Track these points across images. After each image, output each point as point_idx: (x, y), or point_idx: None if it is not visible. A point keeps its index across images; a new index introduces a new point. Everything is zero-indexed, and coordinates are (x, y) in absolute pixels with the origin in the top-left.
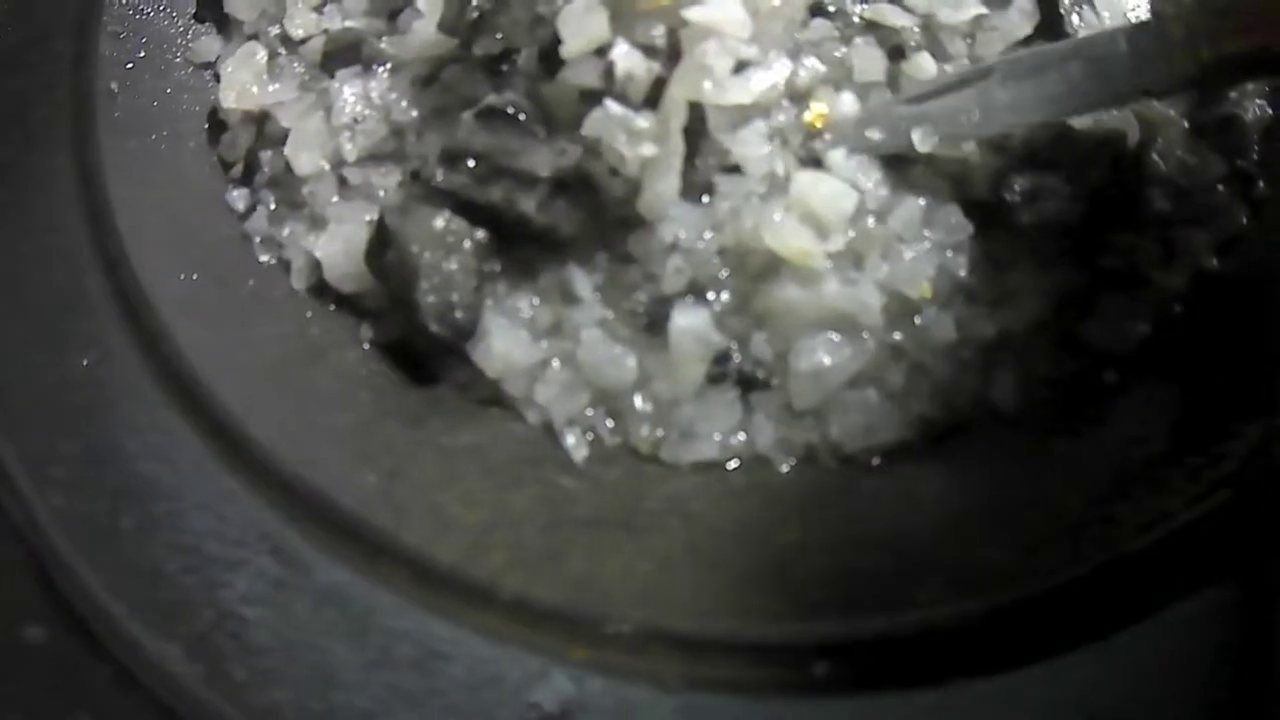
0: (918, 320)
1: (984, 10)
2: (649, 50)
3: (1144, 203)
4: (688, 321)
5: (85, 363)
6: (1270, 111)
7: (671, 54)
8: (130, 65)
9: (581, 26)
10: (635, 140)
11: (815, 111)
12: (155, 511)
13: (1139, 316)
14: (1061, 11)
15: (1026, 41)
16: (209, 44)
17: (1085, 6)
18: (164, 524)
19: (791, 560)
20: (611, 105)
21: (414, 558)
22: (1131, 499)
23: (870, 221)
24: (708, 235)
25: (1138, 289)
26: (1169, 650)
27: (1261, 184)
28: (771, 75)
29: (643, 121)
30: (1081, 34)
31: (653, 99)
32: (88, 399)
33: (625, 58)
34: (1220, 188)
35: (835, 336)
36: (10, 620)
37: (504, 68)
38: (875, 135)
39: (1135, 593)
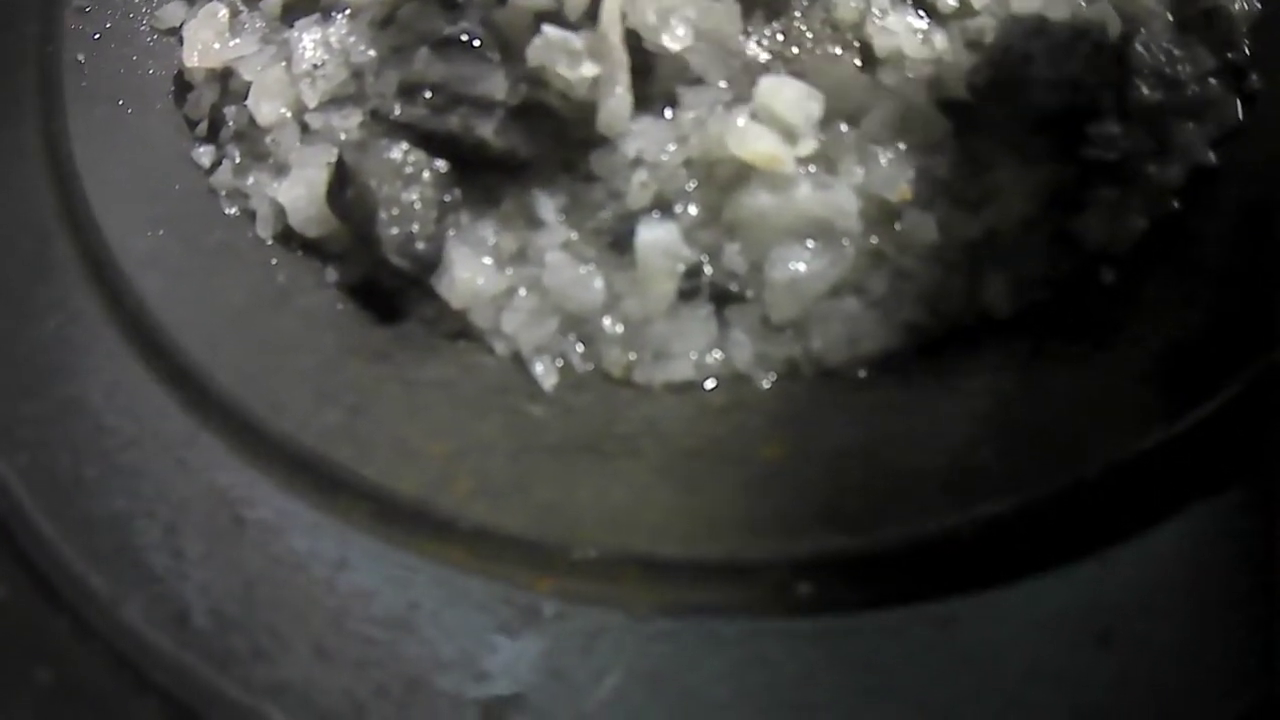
0: (898, 225)
1: None
2: None
3: (1130, 94)
4: (655, 236)
5: (52, 325)
6: (1259, 4)
7: None
8: (97, 36)
9: None
10: (575, 61)
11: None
12: (118, 461)
13: (1135, 211)
14: None
15: None
16: (174, 10)
17: None
18: (126, 472)
19: (772, 477)
20: (549, 30)
21: (376, 492)
22: (1135, 402)
23: (843, 126)
24: (671, 148)
25: (1131, 183)
26: (1181, 558)
27: (1255, 77)
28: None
29: (578, 42)
30: None
31: (594, 15)
32: (54, 360)
33: None
34: (1212, 81)
35: (811, 244)
36: None
37: (459, 1)
38: None
39: (1142, 498)
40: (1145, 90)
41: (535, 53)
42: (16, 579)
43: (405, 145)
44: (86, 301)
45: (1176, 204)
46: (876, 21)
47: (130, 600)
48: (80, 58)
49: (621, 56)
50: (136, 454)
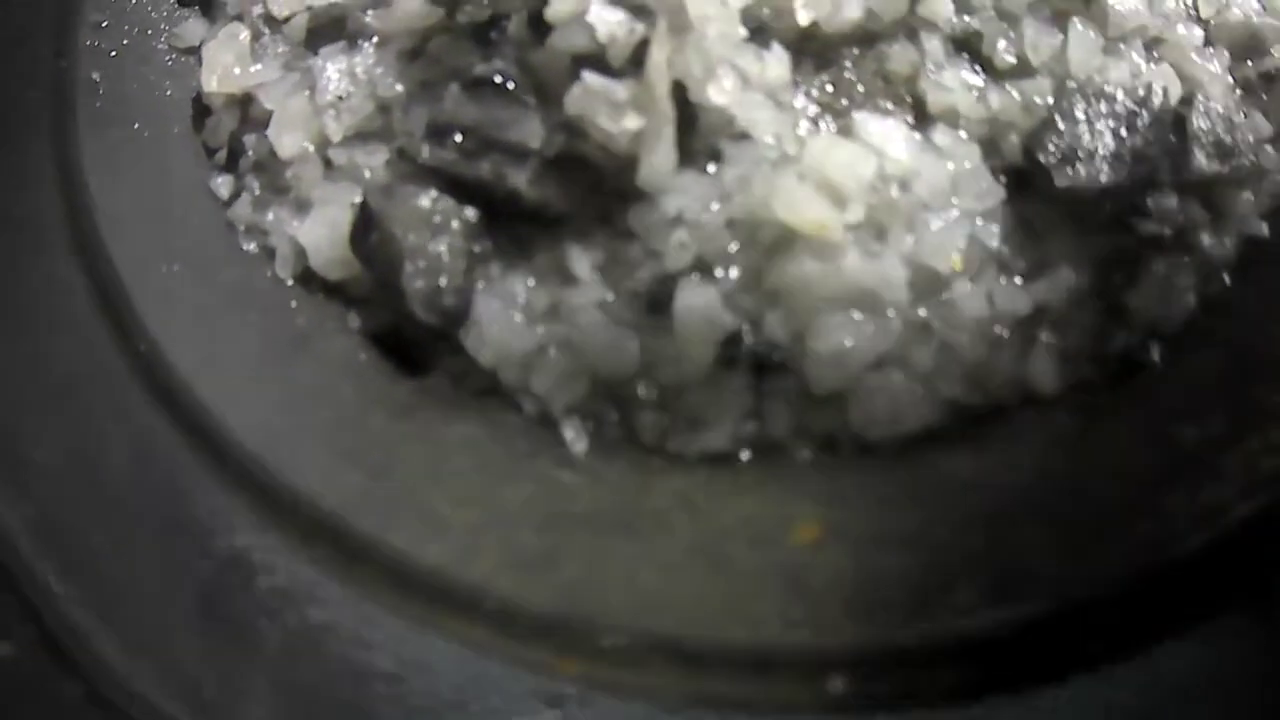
0: (946, 295)
1: None
2: (638, 10)
3: (1187, 164)
4: (694, 300)
5: (62, 364)
6: None
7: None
8: (114, 54)
9: None
10: (618, 113)
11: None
12: (130, 522)
13: (1185, 287)
14: None
15: None
16: (193, 28)
17: None
18: (138, 535)
19: (807, 563)
20: (590, 78)
21: (398, 563)
22: (1182, 489)
23: (894, 190)
24: (714, 207)
25: (1183, 255)
26: (1229, 658)
27: None
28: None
29: (621, 92)
30: None
31: (640, 61)
32: (64, 400)
33: (604, 18)
34: (1269, 148)
35: (857, 315)
36: None
37: (493, 35)
38: None
39: (1186, 600)
40: (1203, 160)
41: (574, 101)
42: (26, 637)
43: (434, 192)
44: (98, 339)
45: (1228, 279)
46: (931, 76)
47: (142, 668)
48: (95, 76)
49: (667, 110)
50: (149, 514)
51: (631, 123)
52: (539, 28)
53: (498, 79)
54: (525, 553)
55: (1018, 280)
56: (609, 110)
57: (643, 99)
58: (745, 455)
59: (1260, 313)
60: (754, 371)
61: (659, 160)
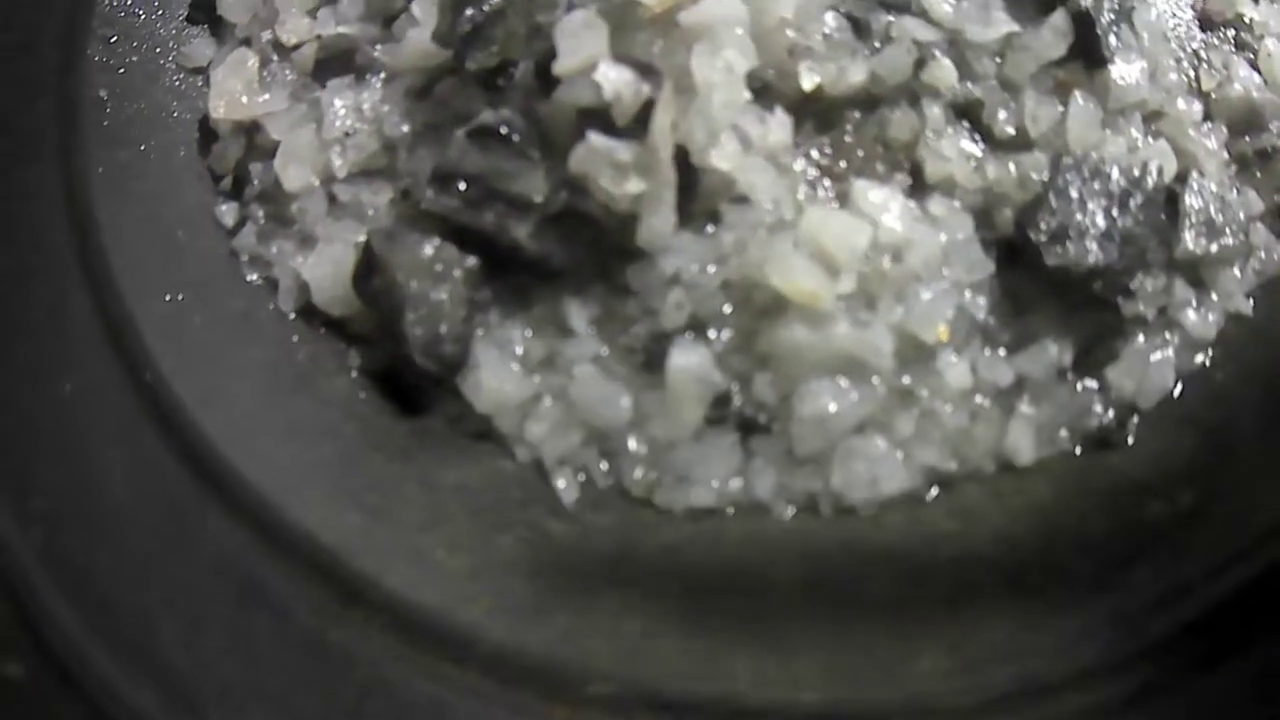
0: (931, 364)
1: (1015, 28)
2: (646, 70)
3: (1177, 243)
4: (687, 361)
5: (68, 388)
6: None
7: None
8: (121, 71)
9: (579, 43)
10: (621, 175)
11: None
12: (134, 549)
13: (1166, 364)
14: (1099, 32)
15: (1060, 64)
16: (201, 48)
17: (1123, 25)
18: (142, 563)
19: (785, 623)
20: (595, 138)
21: (394, 604)
22: (1148, 567)
23: (886, 260)
24: (711, 269)
25: (1165, 332)
26: None
27: None
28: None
29: (626, 154)
30: (1120, 54)
31: (645, 121)
32: (69, 427)
33: (611, 78)
34: (1259, 225)
35: (843, 381)
36: None
37: (500, 82)
38: None
39: (1148, 677)
40: (1192, 240)
41: (579, 161)
42: (32, 659)
43: (436, 240)
44: (102, 364)
45: (1207, 359)
46: (930, 143)
47: (145, 696)
48: (103, 94)
49: (670, 175)
50: (152, 540)
51: (634, 186)
52: (546, 78)
53: (503, 130)
54: (517, 600)
55: (1001, 352)
56: (612, 172)
57: (646, 162)
58: (730, 511)
59: (1237, 392)
60: (741, 431)
61: (659, 223)
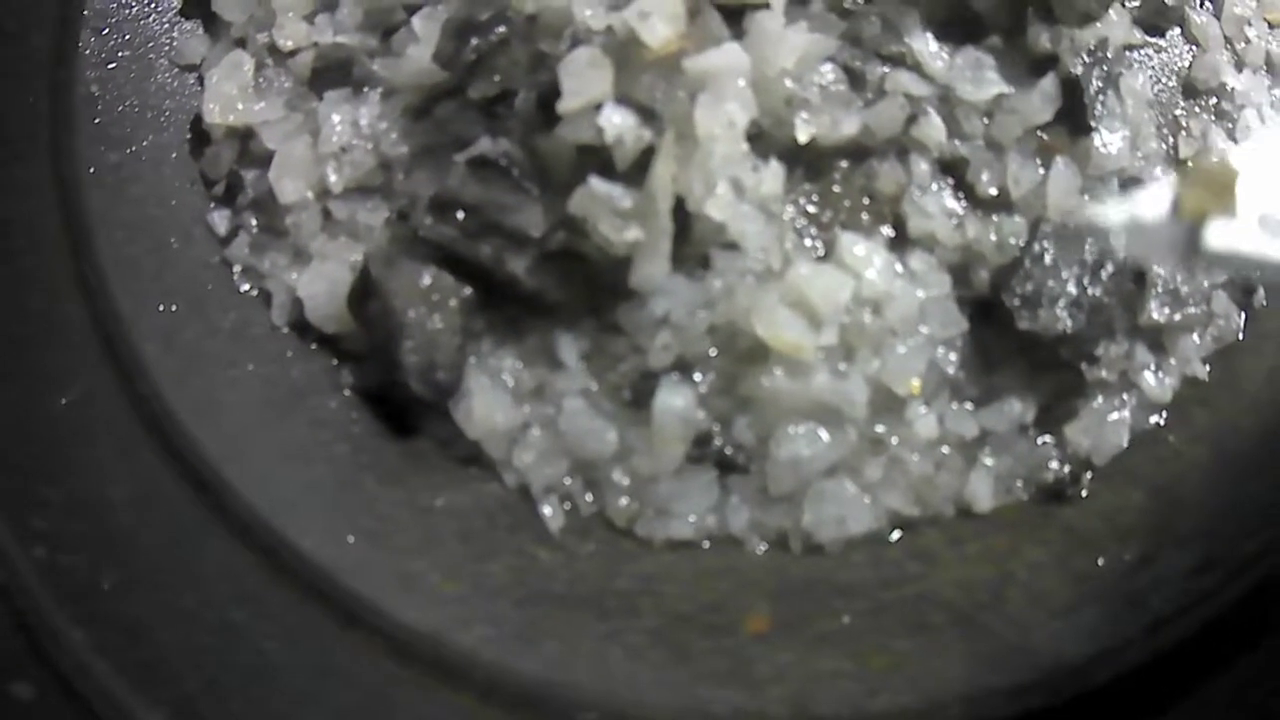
0: (901, 416)
1: (1006, 89)
2: (649, 115)
3: (1142, 312)
4: (672, 400)
5: (65, 401)
6: None
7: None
8: (112, 65)
9: (583, 83)
10: (620, 222)
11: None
12: (135, 567)
13: (1121, 424)
14: (1086, 100)
15: (1046, 128)
16: (195, 45)
17: (1110, 92)
18: (144, 581)
19: (756, 655)
20: (595, 183)
21: (391, 628)
22: (1091, 618)
23: (867, 315)
24: (699, 313)
25: (1123, 393)
26: None
27: (1262, 292)
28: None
29: (625, 201)
30: (1104, 122)
31: (644, 165)
32: (68, 440)
33: (615, 122)
34: (1221, 293)
35: (818, 427)
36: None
37: (500, 110)
38: None
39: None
40: (1156, 309)
41: (578, 204)
42: (41, 679)
43: (434, 269)
44: (98, 376)
45: (1162, 420)
46: (915, 199)
47: (154, 715)
48: (94, 89)
49: (667, 225)
50: (155, 559)
51: (632, 234)
52: (547, 109)
53: (503, 162)
54: (508, 627)
55: (968, 406)
56: (611, 218)
57: (644, 210)
58: (706, 544)
59: (1187, 453)
60: (719, 469)
61: (653, 269)
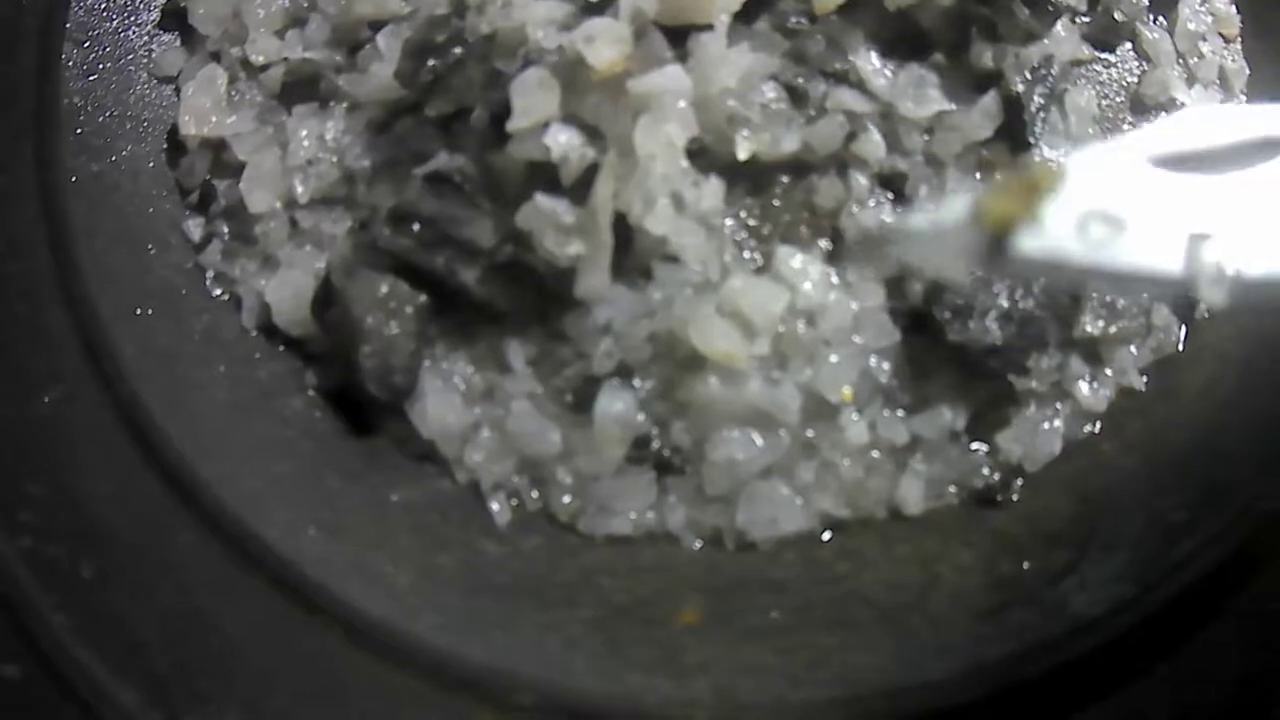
0: (833, 422)
1: (947, 106)
2: (593, 134)
3: (1076, 325)
4: (613, 404)
5: (49, 401)
6: None
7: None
8: (94, 77)
9: (532, 103)
10: (563, 236)
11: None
12: (113, 557)
13: (1054, 433)
14: (1025, 118)
15: (985, 144)
16: (172, 57)
17: (1053, 109)
18: (121, 569)
19: (685, 644)
20: (541, 199)
21: (348, 615)
22: (1014, 620)
23: (801, 325)
24: (640, 322)
25: (1057, 403)
26: None
27: (1204, 305)
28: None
29: (568, 217)
30: (1046, 139)
31: (589, 182)
32: (51, 438)
33: (560, 142)
34: (1163, 306)
35: (752, 432)
36: None
37: (456, 126)
38: (1109, 234)
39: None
40: (1090, 322)
41: (525, 218)
42: (28, 662)
43: (391, 278)
44: (79, 377)
45: (1096, 429)
46: (854, 212)
47: (129, 695)
48: (77, 101)
49: (607, 240)
50: (132, 550)
51: (574, 248)
52: (500, 126)
53: (457, 179)
54: (455, 614)
55: (900, 413)
56: (555, 233)
57: (587, 226)
58: (643, 540)
59: (1119, 463)
60: (658, 470)
61: (595, 281)
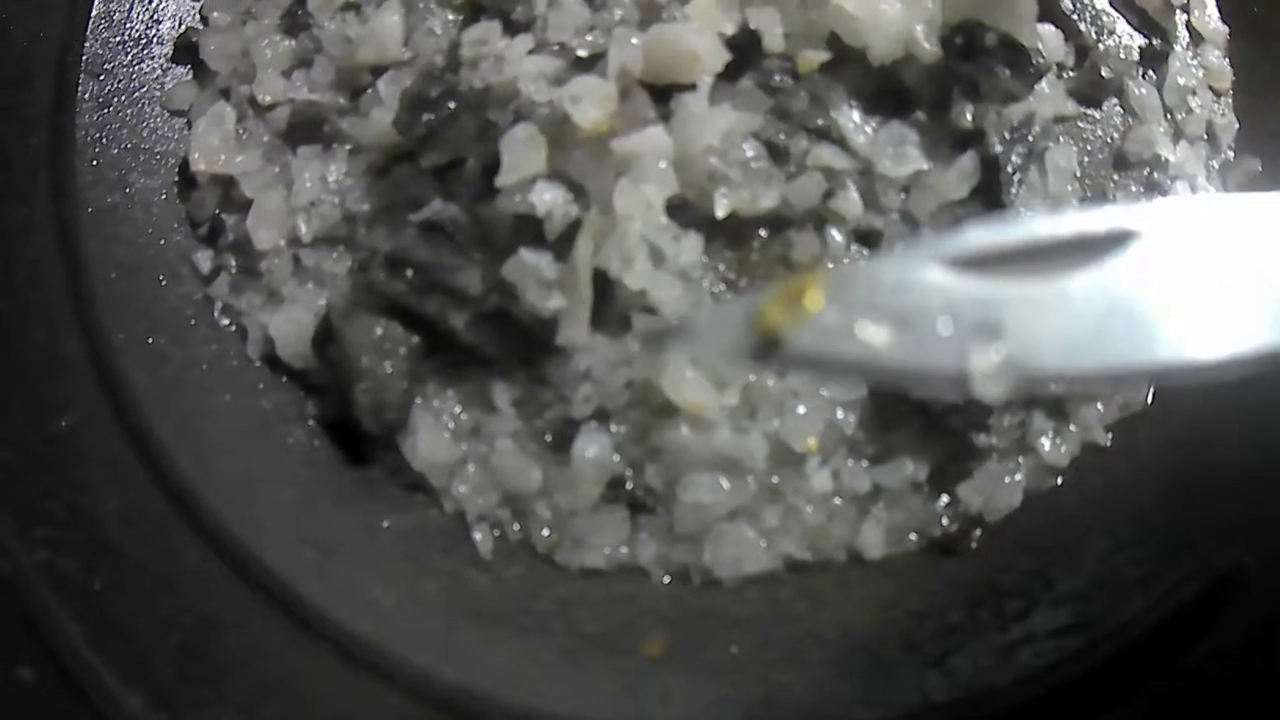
0: (799, 468)
1: (924, 166)
2: (578, 191)
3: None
4: (590, 446)
5: (63, 424)
6: None
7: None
8: (108, 110)
9: (520, 160)
10: (545, 290)
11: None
12: (123, 571)
13: (1015, 487)
14: (1002, 179)
15: (961, 204)
16: (184, 92)
17: (1033, 168)
18: (130, 583)
19: (649, 675)
20: (525, 254)
21: (338, 634)
22: (967, 664)
23: (770, 379)
24: (618, 371)
25: (1019, 456)
26: None
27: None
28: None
29: (550, 272)
30: (1022, 199)
31: (572, 237)
32: (67, 459)
33: (545, 199)
34: None
35: (720, 477)
36: (5, 661)
37: (450, 174)
38: (879, 336)
39: None
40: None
41: (510, 270)
42: (42, 665)
43: (385, 321)
44: (94, 404)
45: (1059, 482)
46: (829, 267)
47: (136, 700)
48: (93, 133)
49: (587, 294)
50: (140, 565)
51: (555, 302)
52: (491, 178)
53: (448, 228)
54: (438, 636)
55: (863, 463)
56: (538, 286)
57: (568, 281)
58: (616, 574)
59: (1080, 517)
60: (631, 508)
61: (574, 332)
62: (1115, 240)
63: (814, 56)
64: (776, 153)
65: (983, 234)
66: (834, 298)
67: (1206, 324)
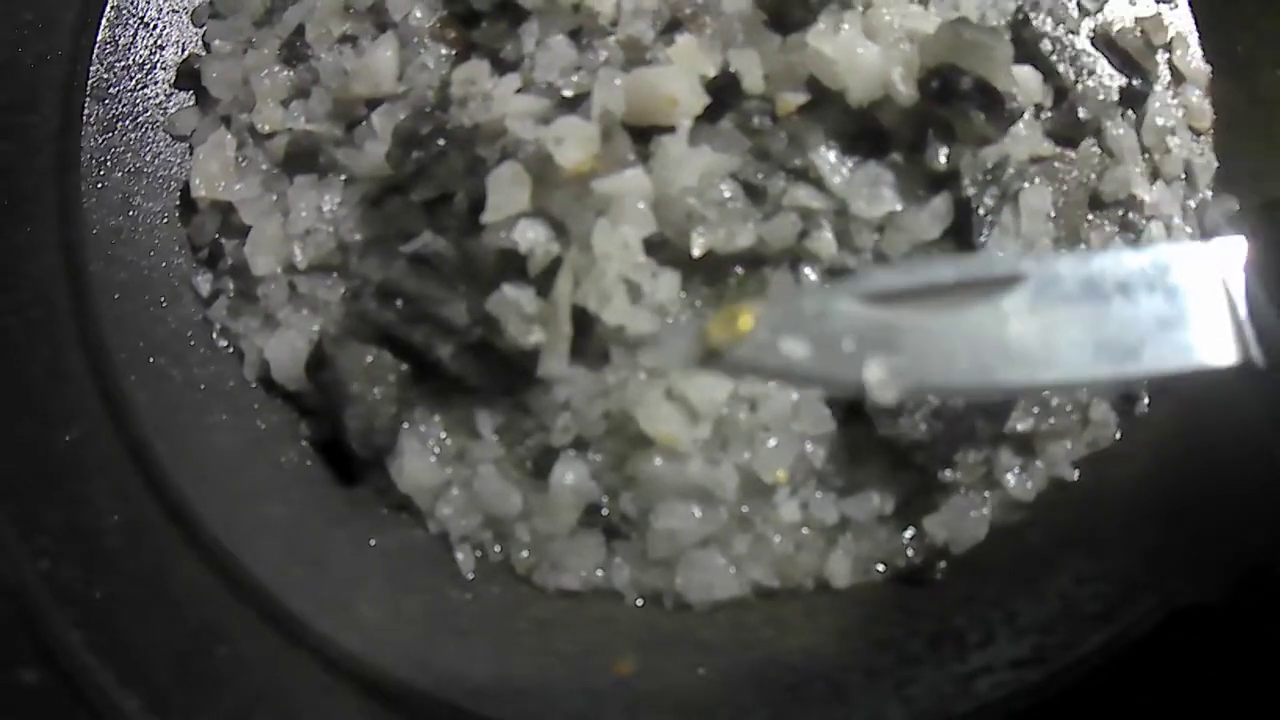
0: (769, 499)
1: (898, 207)
2: (560, 227)
3: (1006, 421)
4: (568, 473)
5: (66, 439)
6: None
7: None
8: (113, 134)
9: (504, 198)
10: (526, 325)
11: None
12: (122, 581)
13: (981, 520)
14: (974, 221)
15: (932, 245)
16: (186, 118)
17: (1005, 209)
18: (128, 593)
19: (617, 692)
20: (507, 289)
21: (325, 647)
22: (926, 693)
23: (742, 412)
24: (595, 402)
25: (985, 491)
26: None
27: (1146, 401)
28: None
29: (531, 307)
30: (994, 240)
31: (553, 274)
32: (69, 473)
33: (529, 237)
34: (1102, 402)
35: (692, 506)
36: (9, 664)
37: (439, 208)
38: (797, 351)
39: None
40: (1021, 420)
41: (493, 305)
42: (44, 668)
43: (374, 349)
44: (96, 420)
45: (1026, 515)
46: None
47: (131, 699)
48: (97, 156)
49: (566, 329)
50: (138, 575)
51: (535, 336)
52: (478, 213)
53: (436, 261)
54: (420, 651)
55: (832, 495)
56: (519, 320)
57: (548, 316)
58: (591, 595)
59: (1044, 552)
60: (606, 533)
61: (554, 365)
62: (1008, 282)
63: (793, 98)
64: (754, 192)
65: (893, 275)
66: (762, 321)
67: (1053, 353)
